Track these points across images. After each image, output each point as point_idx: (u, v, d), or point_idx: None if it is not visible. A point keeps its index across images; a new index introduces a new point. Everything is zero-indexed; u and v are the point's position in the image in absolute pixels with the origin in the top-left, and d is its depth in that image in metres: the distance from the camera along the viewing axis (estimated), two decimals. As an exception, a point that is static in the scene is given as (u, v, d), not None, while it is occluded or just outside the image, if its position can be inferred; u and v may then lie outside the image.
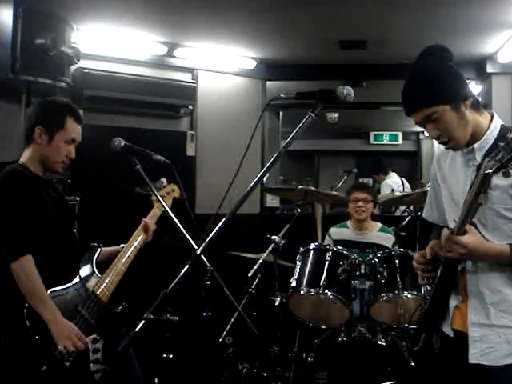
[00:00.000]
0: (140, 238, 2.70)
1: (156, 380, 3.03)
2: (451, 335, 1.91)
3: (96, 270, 2.53)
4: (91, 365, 2.30)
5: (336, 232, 3.93)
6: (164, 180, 2.84)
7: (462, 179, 1.89)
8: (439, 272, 1.87)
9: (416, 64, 1.95)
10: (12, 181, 2.34)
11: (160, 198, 2.45)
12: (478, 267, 1.82)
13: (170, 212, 2.33)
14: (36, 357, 2.20)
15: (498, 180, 1.64)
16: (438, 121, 1.81)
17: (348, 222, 3.97)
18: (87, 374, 2.29)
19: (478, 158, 1.83)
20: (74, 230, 2.57)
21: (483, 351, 1.79)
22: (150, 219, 2.77)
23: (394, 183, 6.68)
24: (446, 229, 1.77)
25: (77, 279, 2.43)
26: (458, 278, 1.87)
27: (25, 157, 2.48)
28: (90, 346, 2.32)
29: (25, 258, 2.22)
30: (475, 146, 1.85)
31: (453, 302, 1.91)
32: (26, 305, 2.23)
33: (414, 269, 2.01)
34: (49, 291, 2.29)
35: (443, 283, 1.88)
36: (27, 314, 2.22)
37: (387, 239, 3.83)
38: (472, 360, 1.80)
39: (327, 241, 3.90)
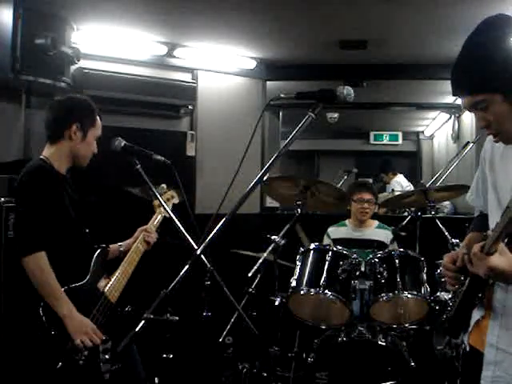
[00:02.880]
0: (144, 243, 2.73)
1: (156, 380, 3.03)
2: (467, 349, 1.75)
3: (105, 271, 2.56)
4: (101, 365, 2.32)
5: (334, 231, 3.95)
6: (164, 186, 2.85)
7: None
8: (467, 282, 1.67)
9: (473, 36, 1.58)
10: (36, 177, 2.37)
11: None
12: (510, 286, 1.61)
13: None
14: (51, 354, 2.22)
15: None
16: (486, 110, 1.57)
17: (346, 220, 3.99)
18: (98, 374, 2.30)
19: None
20: (87, 230, 2.58)
21: (494, 378, 1.62)
22: (152, 225, 2.79)
23: (403, 182, 6.94)
24: (475, 245, 1.54)
25: (88, 279, 2.44)
26: (486, 289, 1.66)
27: (49, 152, 2.49)
28: (100, 347, 2.34)
29: (39, 254, 2.24)
30: None
31: (475, 315, 1.72)
32: (43, 303, 2.25)
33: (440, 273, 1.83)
34: (62, 289, 2.31)
35: (470, 295, 1.68)
36: (43, 310, 2.25)
37: (385, 235, 3.90)
38: (483, 383, 1.64)
39: (326, 241, 3.91)
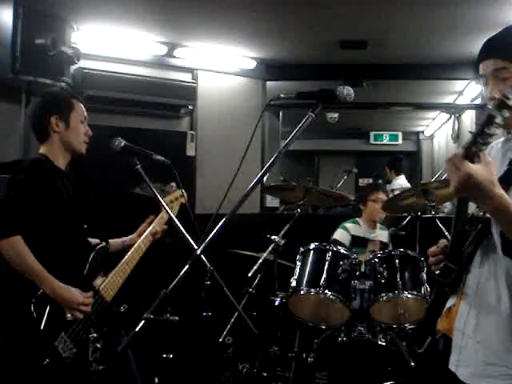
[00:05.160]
0: (147, 239, 2.72)
1: (156, 380, 3.03)
2: (437, 335, 1.77)
3: (102, 269, 2.55)
4: (90, 363, 2.31)
5: (353, 228, 3.98)
6: (173, 185, 2.84)
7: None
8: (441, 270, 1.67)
9: None
10: (32, 168, 2.37)
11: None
12: (484, 269, 1.60)
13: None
14: (39, 350, 2.21)
15: None
16: (504, 82, 1.54)
17: (358, 219, 4.00)
18: (86, 373, 2.30)
19: None
20: (85, 226, 2.58)
21: (458, 362, 1.63)
22: (158, 223, 2.78)
23: (404, 184, 6.95)
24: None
25: (83, 276, 2.44)
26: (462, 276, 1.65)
27: (44, 150, 2.50)
28: (90, 345, 2.33)
29: (14, 238, 2.24)
30: None
31: (448, 303, 1.74)
32: (34, 299, 2.25)
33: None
34: None
35: (455, 282, 1.67)
36: (35, 307, 2.25)
37: (386, 235, 4.03)
38: (450, 366, 1.66)
39: (344, 235, 3.92)
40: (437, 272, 1.77)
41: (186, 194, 2.84)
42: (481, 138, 1.33)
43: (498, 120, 1.31)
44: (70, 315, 2.28)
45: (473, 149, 1.33)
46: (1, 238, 2.24)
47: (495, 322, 1.56)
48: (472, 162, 1.33)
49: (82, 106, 2.58)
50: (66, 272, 2.37)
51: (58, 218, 2.41)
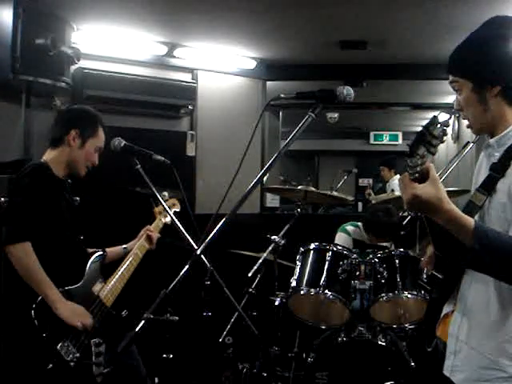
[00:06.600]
0: (143, 247, 2.75)
1: (156, 380, 3.03)
2: (436, 341, 1.79)
3: (101, 275, 2.57)
4: (94, 367, 2.32)
5: (354, 231, 3.94)
6: (166, 194, 2.86)
7: (482, 175, 1.69)
8: (442, 277, 1.73)
9: (479, 28, 1.73)
10: (34, 174, 2.39)
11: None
12: (474, 274, 1.61)
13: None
14: (42, 355, 2.21)
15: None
16: (459, 93, 1.67)
17: (359, 224, 3.96)
18: (90, 377, 2.30)
19: (497, 154, 1.62)
20: (82, 237, 2.59)
21: (452, 367, 1.65)
22: (154, 231, 2.80)
23: None
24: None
25: (83, 282, 2.44)
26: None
27: (49, 156, 2.52)
28: (93, 349, 2.34)
29: (24, 244, 2.25)
30: (491, 141, 1.66)
31: (445, 309, 1.75)
32: (34, 305, 2.25)
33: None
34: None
35: (444, 288, 1.73)
36: (35, 313, 2.24)
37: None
38: (445, 372, 1.68)
39: (344, 238, 3.89)
40: (424, 279, 1.81)
41: (178, 204, 2.88)
42: (408, 167, 1.46)
43: (420, 152, 1.43)
44: (79, 323, 2.29)
45: (409, 175, 1.45)
46: (13, 242, 2.25)
47: (486, 325, 1.57)
48: (421, 180, 1.45)
49: (104, 137, 2.61)
50: (64, 279, 2.37)
51: (55, 226, 2.42)
